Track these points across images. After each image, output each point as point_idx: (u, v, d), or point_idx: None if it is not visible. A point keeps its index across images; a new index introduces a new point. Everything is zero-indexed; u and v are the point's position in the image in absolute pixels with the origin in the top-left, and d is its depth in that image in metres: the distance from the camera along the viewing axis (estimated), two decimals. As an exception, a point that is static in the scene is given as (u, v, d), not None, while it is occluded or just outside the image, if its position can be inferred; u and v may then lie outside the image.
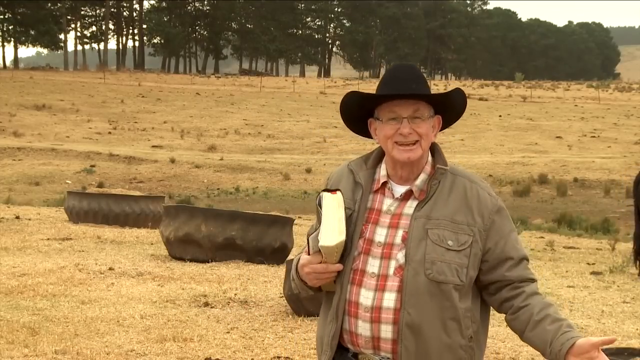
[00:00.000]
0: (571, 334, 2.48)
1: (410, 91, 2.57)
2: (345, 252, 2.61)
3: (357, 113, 2.70)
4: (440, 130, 2.70)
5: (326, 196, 2.63)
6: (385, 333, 2.57)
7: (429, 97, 2.60)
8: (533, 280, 2.65)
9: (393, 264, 2.57)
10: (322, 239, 2.55)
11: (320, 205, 2.64)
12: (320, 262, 2.58)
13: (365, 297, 2.58)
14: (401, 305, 2.54)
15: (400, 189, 2.63)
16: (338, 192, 2.63)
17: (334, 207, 2.60)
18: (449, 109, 2.68)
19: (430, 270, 2.53)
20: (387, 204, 2.63)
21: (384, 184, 2.65)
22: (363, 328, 2.59)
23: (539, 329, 2.54)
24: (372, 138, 2.71)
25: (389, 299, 2.56)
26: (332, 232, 2.56)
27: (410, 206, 2.61)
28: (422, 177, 2.63)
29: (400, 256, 2.57)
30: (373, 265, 2.59)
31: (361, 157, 2.74)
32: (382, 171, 2.67)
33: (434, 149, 2.68)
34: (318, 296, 2.75)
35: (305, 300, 7.52)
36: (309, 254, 2.61)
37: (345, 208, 2.62)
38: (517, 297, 2.61)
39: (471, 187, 2.62)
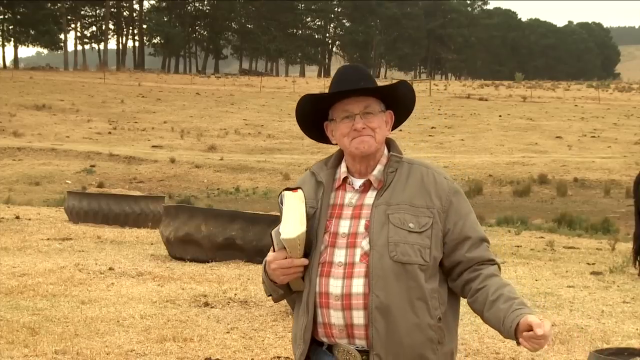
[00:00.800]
0: (521, 312, 2.57)
1: (359, 87, 2.70)
2: (311, 247, 2.69)
3: (313, 117, 2.83)
4: (395, 127, 2.84)
5: (287, 194, 2.75)
6: (358, 319, 2.64)
7: (375, 91, 2.73)
8: (493, 262, 2.74)
9: (359, 252, 2.66)
10: (283, 232, 2.64)
11: (282, 203, 2.74)
12: (286, 258, 2.67)
13: (335, 286, 2.66)
14: (369, 289, 2.62)
15: (359, 182, 2.76)
16: (299, 190, 2.75)
17: (294, 203, 2.71)
18: (399, 102, 2.81)
19: (394, 252, 2.62)
20: (348, 197, 2.75)
21: (345, 179, 2.77)
22: (336, 317, 2.66)
23: (494, 308, 2.63)
24: (330, 143, 2.85)
25: (358, 285, 2.64)
26: (293, 225, 2.64)
27: (370, 197, 2.73)
28: (379, 167, 2.76)
29: (364, 243, 2.66)
30: (339, 256, 2.68)
31: (322, 160, 2.87)
32: (343, 168, 2.80)
33: (389, 143, 2.82)
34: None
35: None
36: (274, 252, 2.70)
37: (309, 207, 2.73)
38: (476, 280, 2.70)
39: (427, 173, 2.75)
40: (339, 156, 2.83)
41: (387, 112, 2.78)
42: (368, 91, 2.72)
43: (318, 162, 2.87)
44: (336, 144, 2.82)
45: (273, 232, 2.69)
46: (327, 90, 2.80)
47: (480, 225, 2.79)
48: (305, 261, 2.68)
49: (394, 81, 2.87)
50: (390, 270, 2.62)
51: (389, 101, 2.79)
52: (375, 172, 2.74)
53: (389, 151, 2.80)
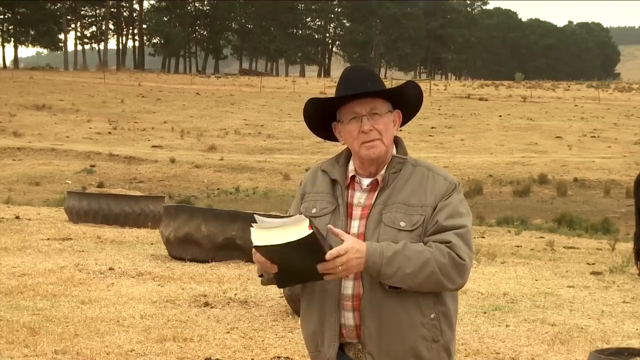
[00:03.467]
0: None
1: (364, 89, 2.71)
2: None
3: (321, 118, 2.85)
4: (404, 124, 2.87)
5: (305, 225, 2.52)
6: None
7: (381, 93, 2.75)
8: (448, 242, 2.65)
9: None
10: (256, 239, 2.54)
11: (290, 218, 2.56)
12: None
13: (346, 287, 2.71)
14: (362, 290, 2.67)
15: (367, 181, 2.79)
16: (311, 226, 2.52)
17: (296, 229, 2.51)
18: (406, 102, 2.84)
19: None
20: (357, 196, 2.78)
21: (353, 177, 2.80)
22: (347, 317, 2.71)
23: None
24: (338, 141, 2.86)
25: None
26: (272, 236, 2.52)
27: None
28: (386, 167, 2.79)
29: None
30: None
31: (332, 158, 2.89)
32: (351, 167, 2.82)
33: (397, 143, 2.85)
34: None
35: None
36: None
37: (324, 206, 2.75)
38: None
39: (428, 174, 2.77)
40: (348, 155, 2.85)
41: (394, 112, 2.81)
42: (374, 93, 2.74)
43: (327, 160, 2.90)
44: (344, 144, 2.84)
45: (254, 224, 2.57)
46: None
47: (465, 218, 2.70)
48: (273, 269, 2.60)
49: (401, 82, 2.86)
50: None
51: (396, 101, 2.81)
52: (383, 171, 2.77)
53: (396, 150, 2.83)
